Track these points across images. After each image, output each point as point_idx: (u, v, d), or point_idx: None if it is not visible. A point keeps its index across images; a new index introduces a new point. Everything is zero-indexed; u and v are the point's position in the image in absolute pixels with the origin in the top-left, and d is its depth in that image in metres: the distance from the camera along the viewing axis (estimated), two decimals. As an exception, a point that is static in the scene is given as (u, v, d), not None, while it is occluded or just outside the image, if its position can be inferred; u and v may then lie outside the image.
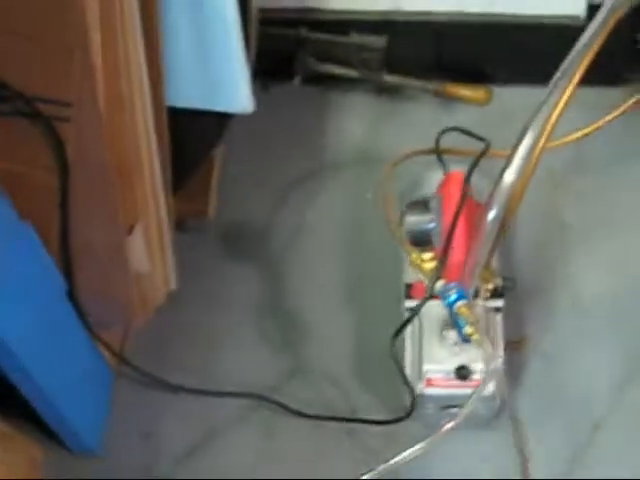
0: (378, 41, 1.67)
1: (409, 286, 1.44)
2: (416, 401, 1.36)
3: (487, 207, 1.19)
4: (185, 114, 1.37)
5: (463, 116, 1.77)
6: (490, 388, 1.38)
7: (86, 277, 1.39)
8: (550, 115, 1.13)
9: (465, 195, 1.26)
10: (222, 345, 1.63)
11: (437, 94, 1.74)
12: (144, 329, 1.58)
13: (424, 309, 1.39)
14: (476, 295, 1.39)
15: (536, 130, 1.14)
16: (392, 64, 1.71)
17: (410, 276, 1.44)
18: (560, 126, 1.66)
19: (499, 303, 1.41)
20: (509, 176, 1.17)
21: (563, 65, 1.15)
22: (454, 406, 1.43)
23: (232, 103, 1.33)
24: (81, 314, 1.38)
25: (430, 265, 1.20)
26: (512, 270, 1.59)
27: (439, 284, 1.17)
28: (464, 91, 1.76)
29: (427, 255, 1.20)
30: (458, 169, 1.43)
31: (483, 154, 1.33)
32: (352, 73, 1.72)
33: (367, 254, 1.63)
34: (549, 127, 1.12)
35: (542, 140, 1.13)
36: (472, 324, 1.13)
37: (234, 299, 1.66)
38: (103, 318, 1.46)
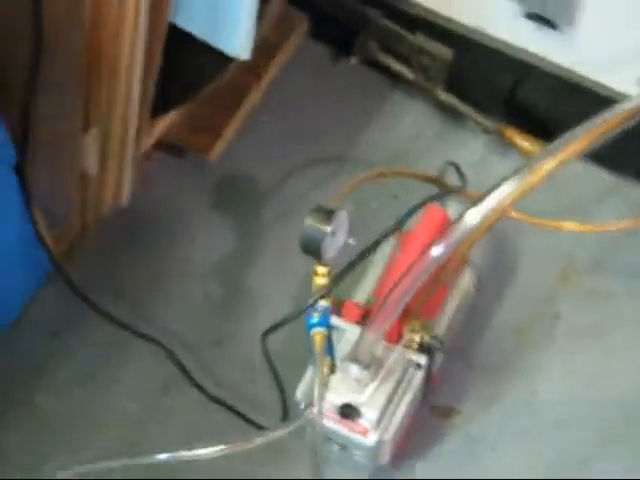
0: (443, 52, 1.54)
1: (341, 303, 1.33)
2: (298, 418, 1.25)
3: (436, 242, 1.07)
4: (187, 39, 1.29)
5: (510, 165, 1.62)
6: (371, 439, 1.26)
7: (37, 161, 1.34)
8: (531, 178, 1.00)
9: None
10: (161, 287, 1.55)
11: (492, 132, 1.60)
12: (91, 241, 1.54)
13: (348, 333, 1.28)
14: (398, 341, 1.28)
15: (513, 185, 1.01)
16: (454, 82, 1.58)
17: (348, 294, 1.33)
18: (598, 213, 1.57)
19: (422, 360, 1.28)
20: (470, 217, 1.04)
21: (565, 135, 1.01)
22: (333, 443, 1.32)
23: (230, 44, 1.26)
24: (25, 192, 1.32)
25: (321, 280, 1.08)
26: (473, 338, 1.48)
27: (319, 303, 1.05)
28: (523, 142, 1.62)
29: (322, 269, 1.08)
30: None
31: (452, 191, 1.21)
32: (408, 74, 1.60)
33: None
34: (524, 188, 1.00)
35: (512, 196, 1.01)
36: (319, 355, 1.01)
37: (193, 245, 1.57)
38: (47, 210, 1.41)
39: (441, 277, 1.33)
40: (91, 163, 1.33)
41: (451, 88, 1.59)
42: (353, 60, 1.62)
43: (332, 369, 1.04)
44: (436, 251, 1.08)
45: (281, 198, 1.62)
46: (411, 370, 1.30)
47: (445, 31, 1.54)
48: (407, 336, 1.27)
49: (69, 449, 1.38)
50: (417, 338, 1.27)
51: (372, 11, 1.57)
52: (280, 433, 1.00)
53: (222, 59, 1.31)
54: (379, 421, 1.26)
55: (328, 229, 1.02)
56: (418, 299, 1.26)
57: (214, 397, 1.41)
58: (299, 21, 1.71)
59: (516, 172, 1.03)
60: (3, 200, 1.36)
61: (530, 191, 1.03)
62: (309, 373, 1.30)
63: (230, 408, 1.37)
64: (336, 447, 1.32)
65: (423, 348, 1.28)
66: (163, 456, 1.00)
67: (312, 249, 1.02)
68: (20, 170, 1.33)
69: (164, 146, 1.59)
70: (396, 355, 1.28)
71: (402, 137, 1.66)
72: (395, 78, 1.66)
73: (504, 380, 1.46)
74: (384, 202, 1.51)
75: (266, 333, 1.11)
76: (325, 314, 1.01)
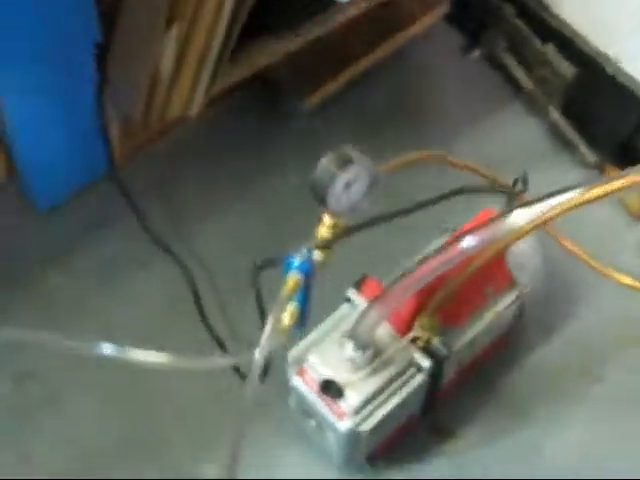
0: (566, 69, 1.44)
1: (363, 278, 1.25)
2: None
3: (470, 233, 0.98)
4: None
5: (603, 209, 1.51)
6: (346, 425, 1.17)
7: (116, 48, 1.31)
8: (590, 195, 0.92)
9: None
10: (208, 214, 1.52)
11: (592, 168, 1.49)
12: (153, 150, 1.52)
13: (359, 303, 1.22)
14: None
15: (569, 196, 0.93)
16: (570, 106, 1.47)
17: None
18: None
19: (424, 363, 1.18)
20: (516, 217, 0.98)
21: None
22: (311, 417, 1.24)
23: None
24: (101, 74, 1.30)
25: (324, 232, 1.00)
26: (500, 368, 1.38)
27: (310, 253, 0.97)
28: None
29: (328, 220, 1.00)
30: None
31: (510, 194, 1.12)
32: (526, 82, 1.50)
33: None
34: (580, 202, 0.94)
35: (565, 207, 0.95)
36: (283, 298, 0.93)
37: (254, 183, 1.53)
38: (115, 103, 1.38)
39: (482, 289, 1.24)
40: (166, 63, 1.28)
41: (566, 111, 1.48)
42: (476, 53, 1.53)
43: (295, 321, 0.95)
44: (467, 242, 0.99)
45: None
46: (412, 370, 1.20)
47: (576, 50, 1.44)
48: (415, 331, 1.18)
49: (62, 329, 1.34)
50: (424, 336, 1.17)
51: (507, 7, 1.47)
52: (222, 362, 0.92)
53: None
54: (360, 409, 1.17)
55: (340, 176, 0.94)
56: (446, 300, 1.17)
57: (212, 329, 1.34)
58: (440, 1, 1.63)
59: (577, 185, 0.93)
60: (79, 77, 1.33)
61: (582, 207, 0.93)
62: (307, 339, 1.22)
63: (217, 339, 1.30)
64: (313, 423, 1.23)
65: (428, 350, 1.18)
66: (107, 348, 0.93)
67: (318, 192, 0.94)
68: (100, 52, 1.30)
69: (259, 81, 1.53)
70: (399, 347, 1.18)
71: (500, 148, 1.56)
72: (516, 87, 1.56)
73: (517, 422, 1.34)
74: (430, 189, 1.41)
75: (260, 267, 1.03)
76: (309, 262, 0.93)
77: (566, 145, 1.52)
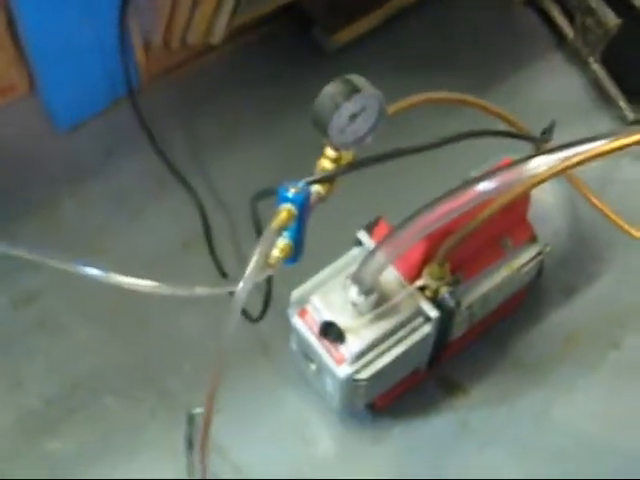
0: (610, 19, 1.36)
1: (376, 220, 1.20)
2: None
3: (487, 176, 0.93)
4: None
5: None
6: (344, 371, 1.13)
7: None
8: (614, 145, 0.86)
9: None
10: (228, 150, 1.47)
11: (630, 123, 1.42)
12: (176, 77, 1.47)
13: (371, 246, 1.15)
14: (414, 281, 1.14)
15: (593, 145, 0.87)
16: (612, 59, 1.39)
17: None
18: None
19: (432, 313, 1.13)
20: (536, 163, 0.91)
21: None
22: (311, 361, 1.20)
23: None
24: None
25: (326, 164, 0.95)
26: (515, 328, 1.33)
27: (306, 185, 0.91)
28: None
29: (331, 153, 0.94)
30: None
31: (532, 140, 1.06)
32: (567, 31, 1.43)
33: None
34: (604, 151, 0.87)
35: (588, 156, 0.88)
36: (271, 230, 0.87)
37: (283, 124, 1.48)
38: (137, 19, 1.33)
39: (499, 240, 1.18)
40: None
41: (607, 64, 1.40)
42: (518, -2, 1.46)
43: (286, 255, 0.90)
44: (484, 185, 0.93)
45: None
46: (419, 320, 1.15)
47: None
48: (424, 279, 1.12)
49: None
50: (433, 285, 1.12)
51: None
52: (203, 292, 0.88)
53: None
54: (360, 356, 1.13)
55: (345, 106, 0.88)
56: (458, 248, 1.12)
57: (220, 264, 1.30)
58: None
59: (602, 136, 0.88)
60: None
61: (605, 156, 0.87)
62: (312, 280, 1.18)
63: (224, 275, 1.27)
64: (313, 367, 1.19)
65: (436, 301, 1.13)
66: (91, 271, 0.89)
67: (320, 122, 0.89)
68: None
69: (290, 13, 1.48)
70: (405, 294, 1.13)
71: (536, 97, 1.50)
72: (558, 36, 1.48)
73: (528, 382, 1.29)
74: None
75: (256, 198, 0.99)
76: (304, 194, 0.88)
77: (605, 99, 1.45)
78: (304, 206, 0.87)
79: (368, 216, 1.20)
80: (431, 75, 1.50)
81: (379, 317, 1.13)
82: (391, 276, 1.16)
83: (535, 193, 1.22)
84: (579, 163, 0.90)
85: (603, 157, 0.89)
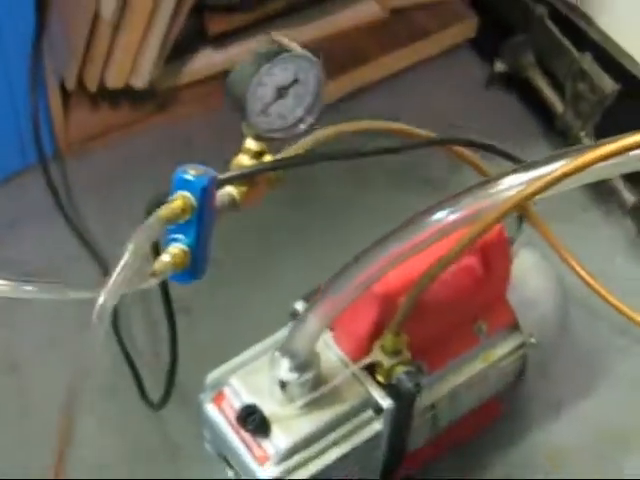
0: (607, 84, 1.15)
1: (318, 288, 0.94)
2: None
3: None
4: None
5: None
6: (267, 473, 0.86)
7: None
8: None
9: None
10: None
11: (631, 210, 1.20)
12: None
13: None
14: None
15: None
16: (611, 131, 1.18)
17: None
18: None
19: (384, 402, 0.88)
20: (509, 180, 0.69)
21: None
22: (226, 461, 0.93)
23: None
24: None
25: (243, 160, 0.71)
26: (488, 436, 1.05)
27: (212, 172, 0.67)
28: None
29: (252, 144, 0.71)
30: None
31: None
32: (557, 104, 1.22)
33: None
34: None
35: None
36: (157, 220, 0.62)
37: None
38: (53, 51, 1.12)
39: (471, 322, 0.94)
40: (107, 4, 1.02)
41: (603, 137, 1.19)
42: (499, 65, 1.26)
43: (179, 265, 0.65)
44: (442, 215, 0.70)
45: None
46: (367, 413, 0.89)
47: (619, 67, 1.16)
48: (374, 354, 0.87)
49: None
50: (385, 362, 0.86)
51: (538, 6, 1.20)
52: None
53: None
54: (288, 455, 0.86)
55: (266, 67, 0.65)
56: (422, 329, 0.87)
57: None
58: (464, 18, 1.38)
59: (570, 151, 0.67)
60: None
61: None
62: (233, 360, 0.93)
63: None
64: (230, 474, 0.92)
65: (391, 385, 0.87)
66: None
67: (235, 92, 0.66)
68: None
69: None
70: (348, 374, 0.88)
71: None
72: (544, 112, 1.28)
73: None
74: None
75: (151, 206, 0.73)
76: (208, 181, 0.64)
77: (604, 192, 1.22)
78: (206, 197, 0.63)
79: (309, 286, 0.95)
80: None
81: (315, 405, 0.88)
82: (332, 355, 0.91)
83: (517, 269, 0.99)
84: (557, 180, 0.66)
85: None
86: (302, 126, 0.70)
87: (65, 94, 1.22)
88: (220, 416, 0.90)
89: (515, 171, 0.70)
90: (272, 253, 1.13)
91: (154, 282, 0.64)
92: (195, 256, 0.65)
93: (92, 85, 1.10)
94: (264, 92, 0.67)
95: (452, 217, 0.72)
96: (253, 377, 0.90)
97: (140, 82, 1.11)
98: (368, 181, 1.25)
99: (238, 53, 1.22)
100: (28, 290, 0.61)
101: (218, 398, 0.91)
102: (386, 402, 0.89)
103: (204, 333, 1.11)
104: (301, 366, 0.86)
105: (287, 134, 0.69)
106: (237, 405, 0.88)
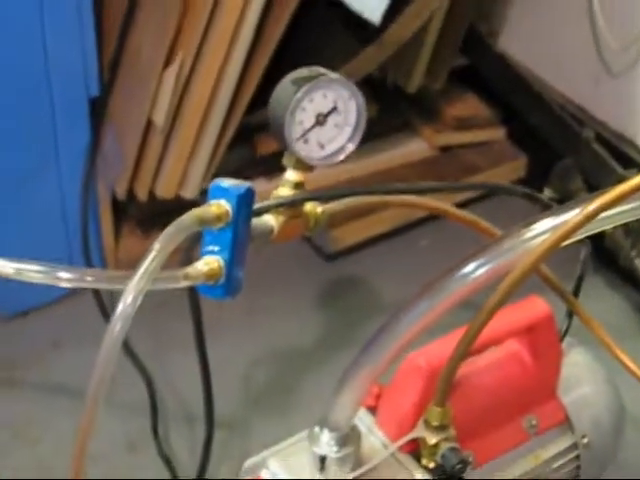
0: None
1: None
2: None
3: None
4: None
5: None
6: None
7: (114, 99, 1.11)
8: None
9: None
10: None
11: None
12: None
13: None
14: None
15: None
16: None
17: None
18: None
19: (427, 484, 0.84)
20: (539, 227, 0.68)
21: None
22: None
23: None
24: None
25: (282, 191, 0.71)
26: None
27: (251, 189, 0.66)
28: None
29: (293, 175, 0.71)
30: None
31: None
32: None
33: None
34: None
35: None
36: (186, 224, 0.61)
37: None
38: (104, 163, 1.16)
39: (519, 416, 0.90)
40: (160, 110, 1.06)
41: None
42: (547, 193, 1.26)
43: (214, 276, 0.64)
44: (468, 267, 0.69)
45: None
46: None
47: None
48: (417, 430, 0.83)
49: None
50: (430, 439, 0.83)
51: (586, 131, 1.22)
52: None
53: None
54: None
55: (304, 90, 0.67)
56: (467, 420, 0.85)
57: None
58: (514, 157, 1.40)
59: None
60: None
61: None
62: (275, 446, 0.90)
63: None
64: None
65: (436, 465, 0.83)
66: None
67: (275, 119, 0.67)
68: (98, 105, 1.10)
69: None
70: (389, 454, 0.84)
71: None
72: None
73: None
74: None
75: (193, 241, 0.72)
76: (246, 193, 0.64)
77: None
78: (242, 207, 0.63)
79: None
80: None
81: (354, 487, 0.83)
82: (375, 439, 0.87)
83: (568, 369, 0.96)
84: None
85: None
86: (341, 156, 0.70)
87: (117, 218, 1.24)
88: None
89: (546, 216, 0.69)
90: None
91: (185, 284, 0.62)
92: (229, 271, 0.64)
93: (143, 194, 1.12)
94: (303, 117, 0.68)
95: (484, 270, 0.70)
96: (291, 459, 0.86)
97: (189, 193, 1.13)
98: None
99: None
100: (59, 277, 0.60)
101: (254, 484, 0.87)
102: (426, 483, 0.84)
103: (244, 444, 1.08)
104: (341, 440, 0.82)
105: (326, 162, 0.69)
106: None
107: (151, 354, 1.20)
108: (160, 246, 0.59)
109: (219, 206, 0.63)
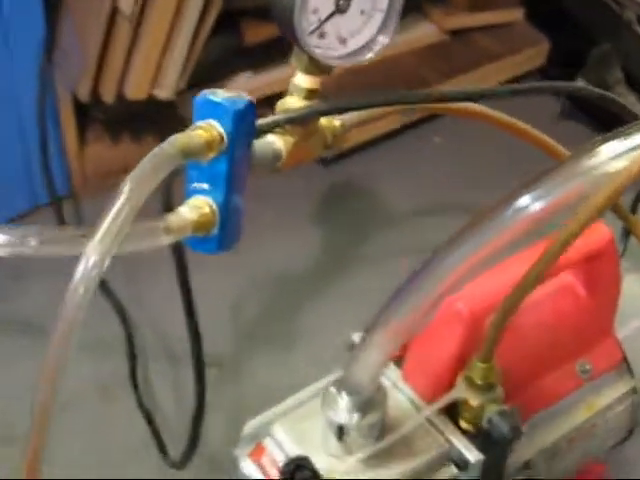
0: None
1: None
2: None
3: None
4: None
5: None
6: None
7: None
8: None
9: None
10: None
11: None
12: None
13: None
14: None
15: None
16: None
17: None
18: None
19: (471, 455, 0.68)
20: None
21: None
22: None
23: None
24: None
25: (290, 102, 0.54)
26: None
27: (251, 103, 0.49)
28: None
29: (303, 80, 0.53)
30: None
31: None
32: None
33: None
34: None
35: None
36: (165, 157, 0.44)
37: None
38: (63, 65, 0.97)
39: (571, 359, 0.75)
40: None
41: None
42: (579, 83, 1.09)
43: (207, 223, 0.47)
44: (523, 200, 0.51)
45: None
46: (448, 469, 0.70)
47: None
48: (456, 390, 0.68)
49: None
50: (472, 400, 0.67)
51: (626, 11, 1.04)
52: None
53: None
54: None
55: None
56: (513, 364, 0.69)
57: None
58: (535, 42, 1.22)
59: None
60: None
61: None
62: (276, 408, 0.74)
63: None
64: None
65: (479, 432, 0.68)
66: None
67: (283, 11, 0.49)
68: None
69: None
70: (423, 418, 0.68)
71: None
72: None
73: None
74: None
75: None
76: (244, 109, 0.46)
77: None
78: (242, 133, 0.45)
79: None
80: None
81: (380, 458, 0.68)
82: (402, 396, 0.72)
83: (623, 300, 0.80)
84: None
85: None
86: (369, 53, 0.52)
87: (82, 124, 1.06)
88: (259, 473, 0.71)
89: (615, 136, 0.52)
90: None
91: (167, 241, 0.45)
92: (224, 216, 0.47)
93: (109, 95, 0.94)
94: (319, 3, 0.50)
95: (542, 204, 0.54)
96: (300, 425, 0.71)
97: (164, 92, 0.95)
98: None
99: (283, 77, 1.05)
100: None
101: (257, 452, 0.72)
102: (473, 454, 0.69)
103: (239, 387, 0.92)
104: (363, 405, 0.67)
105: (349, 62, 0.52)
106: (281, 459, 0.69)
107: (125, 284, 1.03)
108: (129, 190, 0.41)
109: (209, 129, 0.45)
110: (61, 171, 1.10)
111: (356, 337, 0.76)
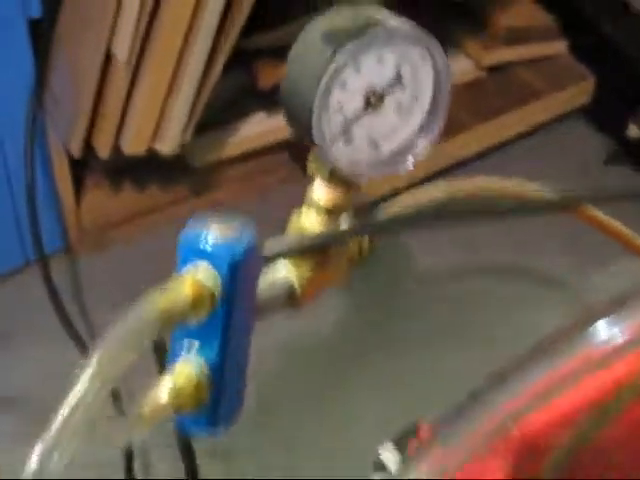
0: None
1: (414, 428, 0.64)
2: None
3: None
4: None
5: None
6: None
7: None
8: None
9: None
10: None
11: None
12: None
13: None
14: None
15: None
16: None
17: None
18: None
19: None
20: None
21: None
22: None
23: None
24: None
25: (305, 221, 0.42)
26: None
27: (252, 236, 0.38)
28: None
29: (322, 192, 0.42)
30: None
31: None
32: None
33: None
34: None
35: None
36: (158, 315, 0.33)
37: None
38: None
39: None
40: (121, 42, 0.75)
41: None
42: (633, 131, 0.97)
43: (195, 397, 0.36)
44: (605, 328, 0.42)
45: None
46: None
47: None
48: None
49: None
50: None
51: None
52: None
53: None
54: None
55: (339, 62, 0.37)
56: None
57: None
58: (579, 79, 1.10)
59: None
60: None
61: None
62: None
63: None
64: None
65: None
66: None
67: (294, 106, 0.38)
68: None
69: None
70: None
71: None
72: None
73: None
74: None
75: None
76: (246, 250, 0.35)
77: None
78: (240, 279, 0.34)
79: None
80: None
81: None
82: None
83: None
84: None
85: None
86: (408, 162, 0.40)
87: (79, 170, 0.95)
88: None
89: None
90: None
91: (139, 434, 0.34)
92: (219, 384, 0.36)
93: (104, 151, 0.83)
94: (344, 98, 0.38)
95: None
96: None
97: (167, 147, 0.84)
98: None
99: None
100: None
101: None
102: None
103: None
104: None
105: (382, 172, 0.40)
106: None
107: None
108: (92, 375, 0.30)
109: (197, 282, 0.34)
110: (55, 224, 0.99)
111: (386, 453, 0.65)
